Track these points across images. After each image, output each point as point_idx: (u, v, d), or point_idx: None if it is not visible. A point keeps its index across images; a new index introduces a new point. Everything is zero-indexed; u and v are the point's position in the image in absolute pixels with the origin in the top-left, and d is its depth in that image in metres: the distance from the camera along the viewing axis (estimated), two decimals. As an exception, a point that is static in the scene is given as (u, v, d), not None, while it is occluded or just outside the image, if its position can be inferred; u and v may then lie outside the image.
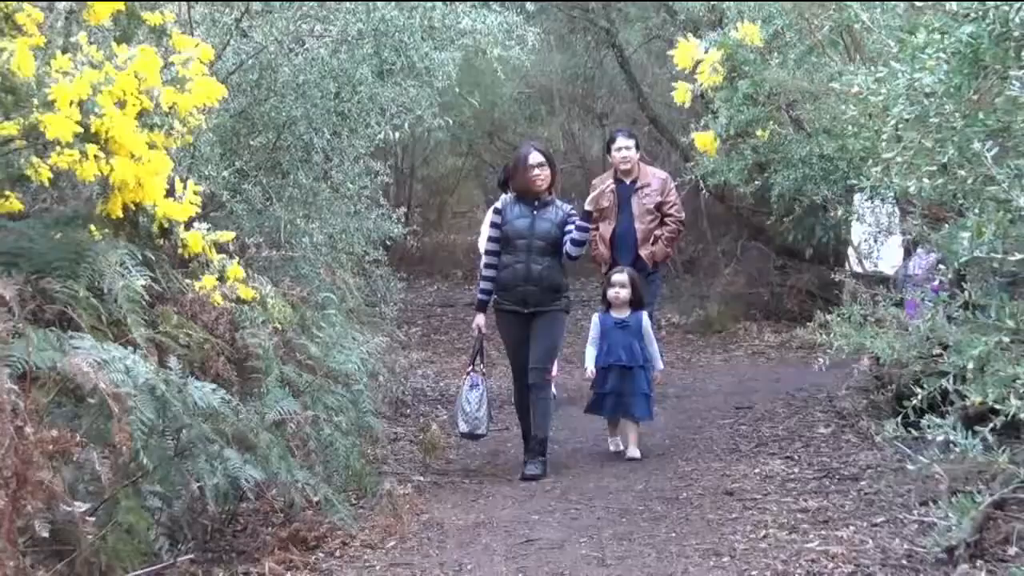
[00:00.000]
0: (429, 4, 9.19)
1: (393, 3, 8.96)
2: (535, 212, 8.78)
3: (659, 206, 10.87)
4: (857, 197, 10.71)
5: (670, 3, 11.16)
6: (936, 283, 9.89)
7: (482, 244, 9.99)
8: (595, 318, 9.39)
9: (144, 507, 5.72)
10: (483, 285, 9.05)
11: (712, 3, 9.33)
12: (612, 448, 9.34)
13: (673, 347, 14.10)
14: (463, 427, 8.74)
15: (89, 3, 5.78)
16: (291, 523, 7.04)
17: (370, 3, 8.87)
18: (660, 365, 9.51)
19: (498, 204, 9.08)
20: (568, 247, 8.65)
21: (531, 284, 8.66)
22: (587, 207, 8.55)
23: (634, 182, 10.90)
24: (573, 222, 8.65)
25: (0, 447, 4.40)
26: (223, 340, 6.91)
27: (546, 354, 8.84)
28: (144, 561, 5.71)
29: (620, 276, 9.26)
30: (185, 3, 7.83)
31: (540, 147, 9.22)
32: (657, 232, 10.86)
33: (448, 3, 9.47)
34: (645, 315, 9.28)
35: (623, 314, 9.17)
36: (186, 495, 6.16)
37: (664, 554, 6.56)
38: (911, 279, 9.43)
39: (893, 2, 4.46)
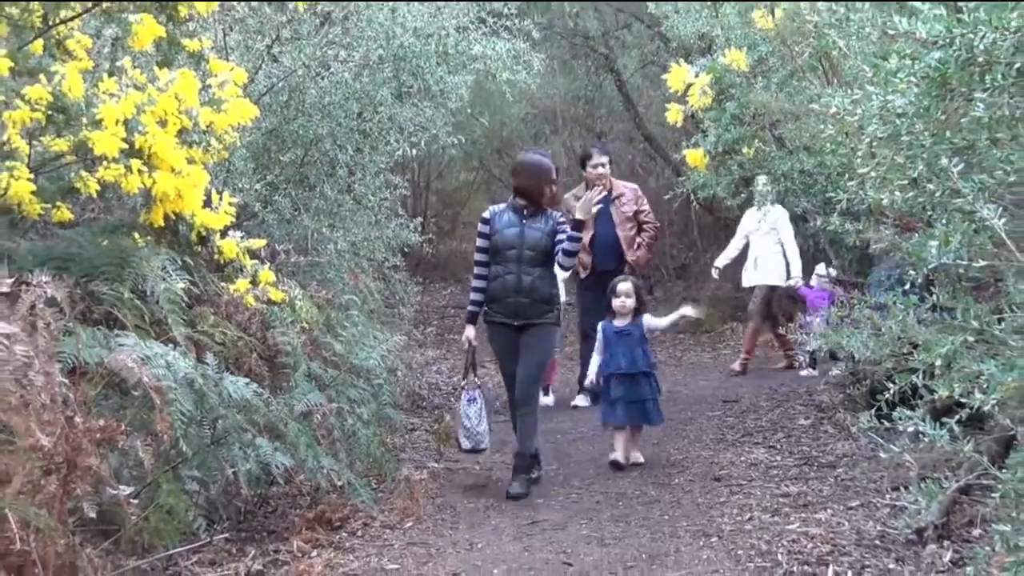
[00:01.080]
0: (444, 32, 9.20)
1: (411, 31, 8.98)
2: (524, 221, 7.87)
3: (635, 214, 10.87)
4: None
5: (664, 31, 11.08)
6: (828, 293, 10.56)
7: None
8: (599, 328, 8.70)
9: (183, 490, 5.72)
10: (473, 296, 8.09)
11: (702, 32, 9.29)
12: (612, 458, 8.40)
13: (665, 346, 14.08)
14: (465, 444, 7.96)
15: (134, 29, 5.78)
16: (317, 505, 7.04)
17: (389, 30, 8.89)
18: (666, 321, 8.95)
19: (486, 213, 8.14)
20: (560, 258, 7.76)
21: (522, 295, 7.78)
22: (578, 215, 7.79)
23: (609, 193, 10.57)
24: (563, 231, 7.80)
25: (52, 436, 4.40)
26: (255, 338, 6.92)
27: (533, 371, 7.94)
28: (183, 539, 5.71)
29: (625, 285, 8.55)
30: (221, 30, 7.83)
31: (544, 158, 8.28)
32: (639, 239, 10.84)
33: (461, 32, 9.49)
34: (647, 316, 8.64)
35: (625, 322, 8.46)
36: (221, 479, 6.17)
37: (658, 535, 6.55)
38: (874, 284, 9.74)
39: (868, 30, 4.45)
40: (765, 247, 11.87)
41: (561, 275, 8.89)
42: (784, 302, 11.88)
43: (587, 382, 9.19)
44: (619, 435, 8.42)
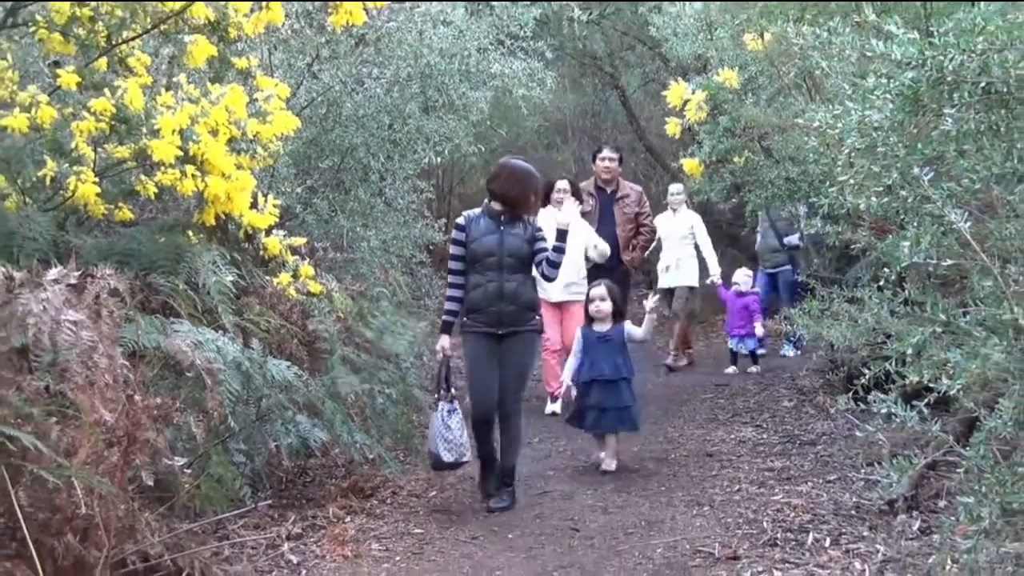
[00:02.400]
0: (466, 52, 9.21)
1: (437, 52, 8.99)
2: (503, 228, 6.81)
3: (636, 216, 10.46)
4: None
5: (664, 52, 11.06)
6: (754, 291, 10.38)
7: None
8: (578, 332, 7.77)
9: (231, 462, 5.74)
10: (448, 306, 6.97)
11: (698, 53, 9.29)
12: (603, 468, 7.44)
13: (664, 335, 14.03)
14: (447, 456, 6.62)
15: (189, 49, 5.80)
16: (351, 476, 7.07)
17: (417, 51, 8.91)
18: (647, 329, 7.60)
19: (460, 219, 6.99)
20: (545, 269, 6.80)
21: (505, 303, 6.73)
22: (560, 227, 6.74)
23: (614, 192, 10.29)
24: (543, 238, 6.90)
25: (114, 412, 4.41)
26: (296, 326, 6.95)
27: (518, 379, 6.91)
28: (231, 505, 5.73)
29: (599, 290, 7.62)
30: (267, 49, 7.84)
31: (524, 164, 7.11)
32: (634, 241, 10.52)
33: (481, 52, 9.50)
34: (628, 324, 7.65)
35: (605, 327, 7.55)
36: (265, 452, 6.19)
37: (656, 504, 6.55)
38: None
39: (848, 52, 4.45)
40: (683, 251, 11.68)
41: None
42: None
43: (560, 390, 8.51)
44: (602, 442, 7.55)
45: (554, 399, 9.59)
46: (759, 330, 10.66)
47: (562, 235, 6.68)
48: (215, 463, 5.23)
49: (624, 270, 10.04)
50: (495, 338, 6.72)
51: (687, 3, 9.17)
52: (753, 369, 11.11)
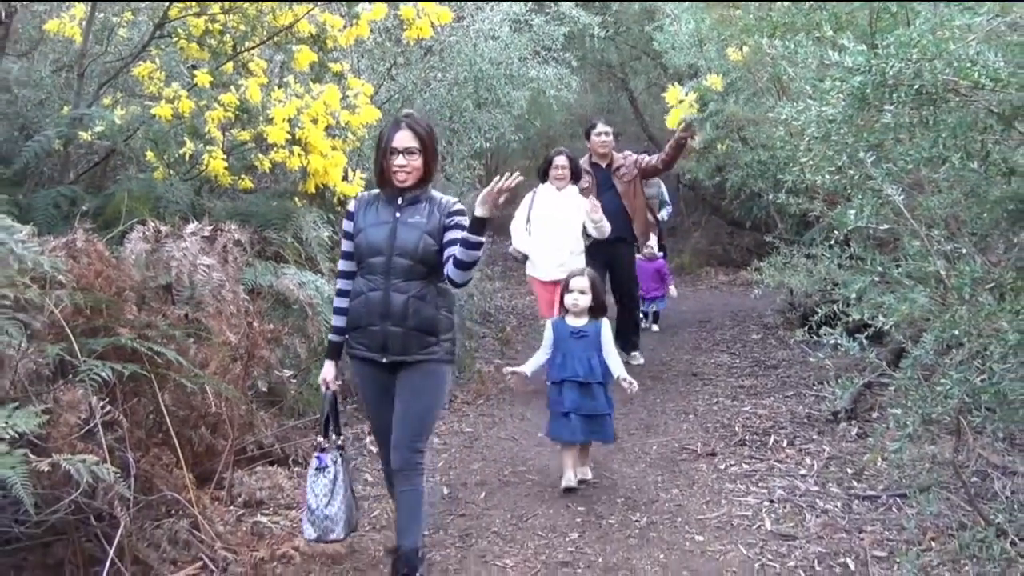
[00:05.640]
0: (510, 60, 9.16)
1: (487, 60, 8.94)
2: (399, 215, 3.88)
3: (640, 173, 8.11)
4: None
5: (664, 62, 10.94)
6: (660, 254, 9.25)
7: (515, 229, 7.56)
8: (548, 324, 5.37)
9: (326, 374, 5.78)
10: (335, 322, 4.10)
11: (691, 63, 9.18)
12: (565, 484, 5.07)
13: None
14: (309, 532, 3.95)
15: (296, 56, 5.79)
16: (417, 387, 7.09)
17: (472, 59, 8.87)
18: (620, 372, 5.06)
19: (352, 204, 4.10)
20: (451, 271, 3.78)
21: (391, 323, 3.83)
22: (478, 212, 3.64)
23: (609, 165, 8.07)
24: (457, 224, 3.84)
25: (237, 335, 4.45)
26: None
27: (416, 429, 3.90)
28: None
29: (580, 280, 5.17)
30: (356, 57, 7.81)
31: (413, 122, 3.92)
32: (662, 156, 8.16)
33: (522, 61, 9.43)
34: (605, 323, 5.22)
35: (581, 322, 5.17)
36: (351, 368, 6.22)
37: (652, 413, 6.57)
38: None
39: (809, 60, 4.39)
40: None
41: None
42: None
43: (510, 373, 5.36)
44: (568, 453, 5.16)
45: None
46: (673, 291, 9.92)
47: (479, 225, 3.65)
48: (314, 375, 5.26)
49: (630, 242, 8.09)
50: (382, 368, 3.91)
51: (683, 24, 9.05)
52: (654, 328, 10.00)
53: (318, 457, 4.00)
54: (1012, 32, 3.53)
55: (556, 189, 7.28)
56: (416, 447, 3.89)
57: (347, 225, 4.01)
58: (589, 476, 5.26)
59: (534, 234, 7.32)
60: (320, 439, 4.06)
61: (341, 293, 4.03)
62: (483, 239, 3.68)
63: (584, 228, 7.16)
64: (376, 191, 4.02)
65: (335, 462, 4.00)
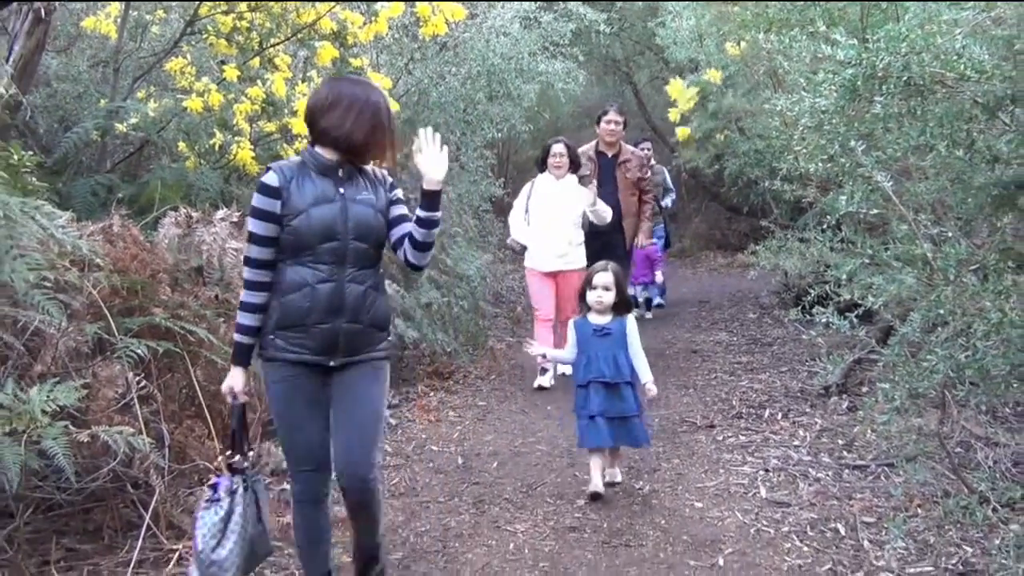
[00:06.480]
0: (520, 55, 9.13)
1: (499, 55, 8.91)
2: (343, 190, 3.05)
3: (639, 181, 7.30)
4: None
5: (666, 56, 10.90)
6: (653, 242, 8.90)
7: (514, 220, 6.97)
8: (571, 324, 4.72)
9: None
10: (244, 321, 3.06)
11: (691, 57, 9.16)
12: (592, 489, 4.43)
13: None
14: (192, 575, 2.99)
15: (318, 52, 5.77)
16: (433, 364, 7.11)
17: (484, 54, 8.84)
18: (648, 378, 4.48)
19: (270, 178, 3.01)
20: (411, 254, 3.13)
21: (345, 319, 3.03)
22: (427, 186, 3.10)
23: (616, 156, 7.28)
24: (400, 199, 3.22)
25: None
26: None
27: (371, 439, 3.08)
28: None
29: (605, 276, 4.53)
30: (375, 52, 7.79)
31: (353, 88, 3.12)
32: (643, 213, 7.39)
33: (532, 56, 9.40)
34: (631, 319, 4.60)
35: (605, 319, 4.55)
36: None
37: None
38: None
39: (803, 55, 4.36)
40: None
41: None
42: None
43: (546, 362, 5.51)
44: (596, 457, 4.53)
45: (543, 371, 6.75)
46: (659, 277, 9.54)
47: (432, 199, 3.10)
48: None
49: (623, 237, 7.25)
50: (321, 372, 3.08)
51: (684, 20, 9.02)
52: (648, 315, 9.60)
53: (212, 486, 3.07)
54: (996, 27, 3.50)
55: (555, 178, 6.74)
56: (374, 462, 3.08)
57: (267, 203, 2.98)
58: (618, 479, 4.65)
59: (533, 224, 6.77)
60: (223, 459, 3.16)
61: (255, 286, 3.04)
62: (439, 214, 3.14)
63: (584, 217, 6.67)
64: (294, 160, 3.14)
65: (233, 493, 3.03)
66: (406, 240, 3.12)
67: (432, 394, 6.51)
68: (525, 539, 4.04)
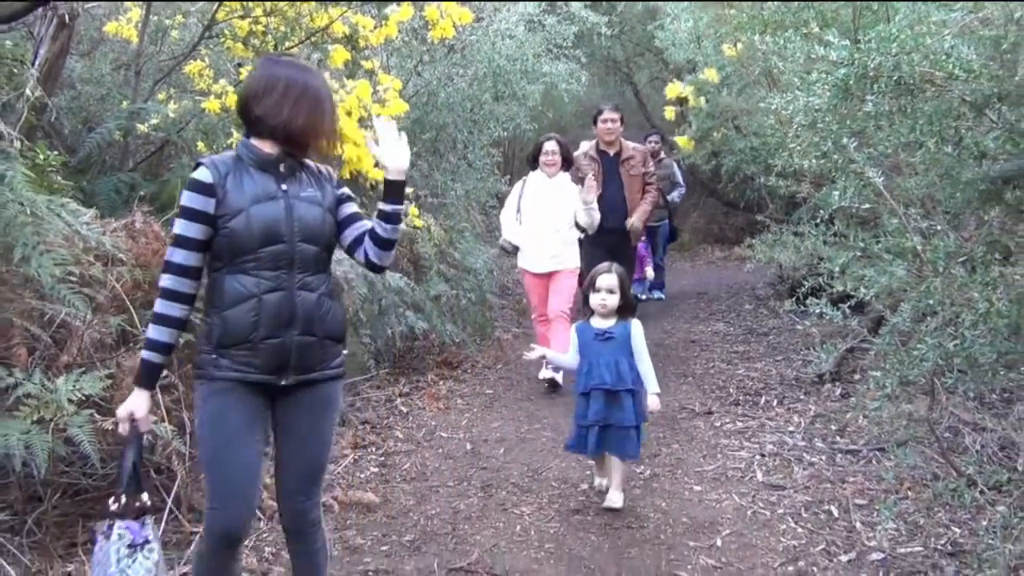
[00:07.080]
0: (525, 57, 9.10)
1: (505, 57, 8.89)
2: (284, 187, 2.56)
3: (643, 175, 6.95)
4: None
5: (665, 57, 10.87)
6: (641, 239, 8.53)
7: (505, 219, 6.66)
8: (572, 329, 4.33)
9: (361, 342, 5.80)
10: (155, 336, 2.49)
11: (689, 58, 9.15)
12: (596, 485, 4.40)
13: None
14: None
15: (331, 54, 5.77)
16: (442, 353, 7.12)
17: (490, 56, 8.83)
18: (654, 388, 4.09)
19: (201, 174, 2.49)
20: (374, 253, 2.68)
21: (298, 331, 2.51)
22: (390, 176, 2.73)
23: (617, 154, 6.95)
24: (349, 197, 2.80)
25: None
26: (406, 249, 6.95)
27: (317, 475, 2.70)
28: (360, 371, 5.81)
29: (609, 278, 4.16)
30: (385, 55, 7.78)
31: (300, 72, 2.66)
32: (641, 204, 6.92)
33: (536, 57, 9.38)
34: (636, 323, 4.19)
35: (608, 323, 4.18)
36: (384, 336, 6.23)
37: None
38: None
39: (797, 55, 4.34)
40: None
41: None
42: None
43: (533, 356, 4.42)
44: (599, 464, 4.40)
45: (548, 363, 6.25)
46: (650, 273, 9.31)
47: (396, 190, 2.75)
48: (350, 343, 5.26)
49: (629, 239, 6.92)
50: (264, 393, 2.57)
51: (682, 23, 9.00)
52: (642, 297, 9.20)
53: (131, 529, 2.42)
54: (984, 27, 3.48)
55: (547, 176, 6.36)
56: (317, 497, 2.72)
57: (199, 201, 2.49)
58: (619, 504, 4.12)
59: (525, 224, 6.39)
60: (112, 505, 2.46)
61: (175, 296, 2.52)
62: (403, 205, 2.75)
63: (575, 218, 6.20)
64: (228, 154, 2.63)
65: (131, 538, 2.42)
66: (366, 238, 2.69)
67: (441, 383, 6.51)
68: (531, 521, 4.04)
